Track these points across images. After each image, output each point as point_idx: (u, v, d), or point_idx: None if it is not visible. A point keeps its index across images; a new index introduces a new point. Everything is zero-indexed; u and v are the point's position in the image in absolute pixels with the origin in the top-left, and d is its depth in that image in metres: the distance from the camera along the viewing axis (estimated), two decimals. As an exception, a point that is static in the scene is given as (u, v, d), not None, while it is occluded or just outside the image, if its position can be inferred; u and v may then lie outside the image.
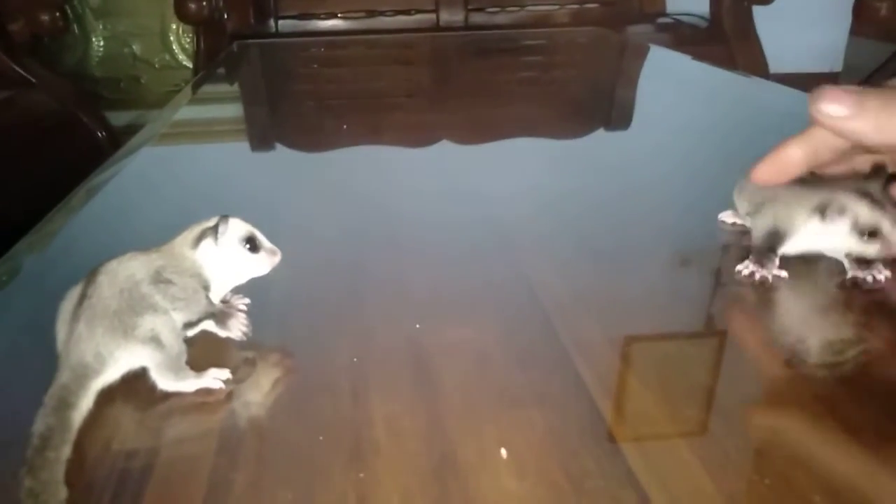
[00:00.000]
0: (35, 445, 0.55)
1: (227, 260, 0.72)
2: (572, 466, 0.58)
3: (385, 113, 1.68)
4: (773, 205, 0.87)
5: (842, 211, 0.80)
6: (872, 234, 0.79)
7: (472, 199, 1.11)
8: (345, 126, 1.56)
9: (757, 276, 0.82)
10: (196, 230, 0.71)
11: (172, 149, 1.57)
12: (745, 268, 0.83)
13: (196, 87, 2.28)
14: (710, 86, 1.93)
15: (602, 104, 1.84)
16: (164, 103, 2.17)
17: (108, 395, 0.66)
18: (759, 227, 0.88)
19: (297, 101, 1.90)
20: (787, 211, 0.85)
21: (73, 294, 0.66)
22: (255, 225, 0.76)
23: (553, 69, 2.38)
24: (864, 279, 0.81)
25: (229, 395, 0.67)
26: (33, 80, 2.89)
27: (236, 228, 0.72)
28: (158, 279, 0.67)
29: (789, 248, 0.85)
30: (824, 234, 0.82)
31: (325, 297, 0.85)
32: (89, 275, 0.67)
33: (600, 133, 1.59)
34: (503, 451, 0.59)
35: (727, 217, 0.99)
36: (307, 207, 1.10)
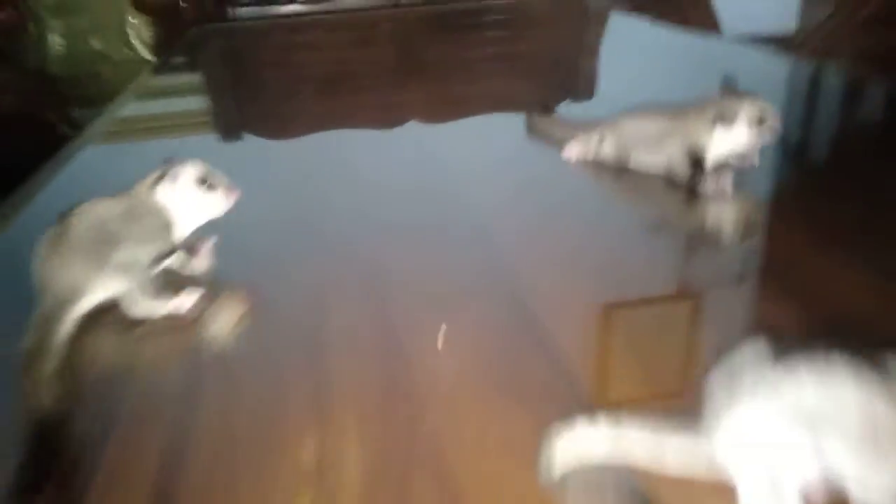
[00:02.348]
0: (25, 356, 0.63)
1: (185, 199, 0.79)
2: (508, 353, 0.67)
3: (350, 95, 1.70)
4: (672, 136, 1.01)
5: (735, 113, 0.96)
6: (761, 122, 0.96)
7: (437, 171, 1.17)
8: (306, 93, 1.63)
9: (719, 187, 0.98)
10: (155, 174, 0.79)
11: (118, 147, 1.58)
12: (705, 187, 0.98)
13: (154, 74, 2.32)
14: (668, 47, 1.99)
15: (567, 74, 1.88)
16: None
17: (90, 322, 0.73)
18: (673, 156, 0.99)
19: (259, 86, 1.92)
20: (693, 132, 0.97)
21: (49, 235, 0.73)
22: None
23: (517, 41, 2.41)
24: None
25: (198, 320, 0.75)
26: (-7, 80, 2.89)
27: (191, 170, 0.79)
28: (125, 218, 0.74)
29: (709, 161, 0.99)
30: (729, 137, 0.97)
31: (285, 235, 0.94)
32: (60, 218, 0.74)
33: (567, 104, 1.64)
34: (440, 337, 0.68)
35: (571, 154, 1.11)
36: (271, 192, 1.15)
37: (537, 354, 0.66)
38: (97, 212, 0.74)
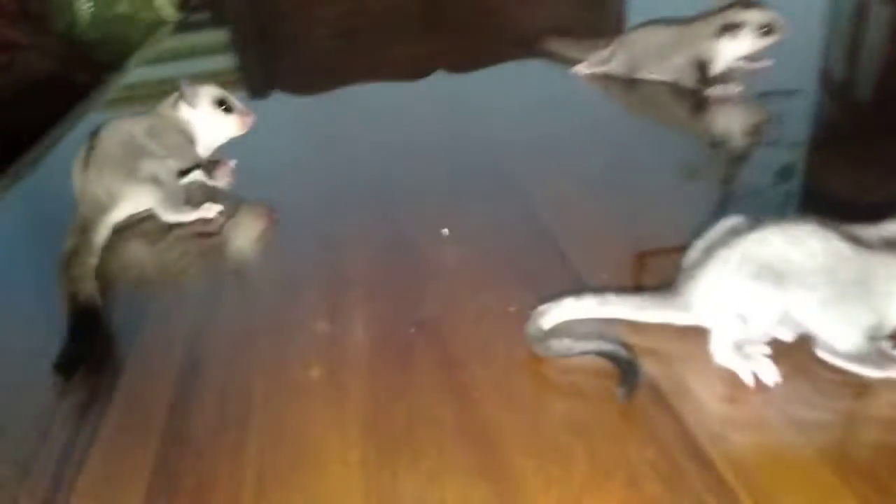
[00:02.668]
0: (66, 256, 0.69)
1: (204, 118, 0.83)
2: (508, 241, 0.71)
3: (375, 48, 1.69)
4: (679, 46, 1.02)
5: (741, 22, 0.97)
6: (768, 31, 0.97)
7: (456, 106, 1.15)
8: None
9: (726, 92, 0.99)
10: (176, 94, 0.83)
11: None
12: (714, 91, 1.00)
13: (174, 33, 2.36)
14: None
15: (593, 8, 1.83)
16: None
17: (127, 230, 0.79)
18: (681, 67, 1.00)
19: (282, 41, 1.93)
20: (699, 42, 0.98)
21: (82, 150, 0.78)
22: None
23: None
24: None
25: (221, 229, 0.80)
26: (24, 43, 2.97)
27: (208, 92, 0.83)
28: (151, 132, 0.79)
29: (715, 68, 1.00)
30: (734, 46, 0.99)
31: (305, 157, 0.98)
32: (91, 135, 0.79)
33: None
34: (445, 231, 0.72)
35: (582, 69, 1.13)
36: (292, 130, 1.19)
37: (537, 244, 0.70)
38: (125, 128, 0.79)
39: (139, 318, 0.66)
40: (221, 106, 0.84)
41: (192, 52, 2.12)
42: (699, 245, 0.52)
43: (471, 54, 1.39)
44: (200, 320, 0.64)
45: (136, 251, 0.78)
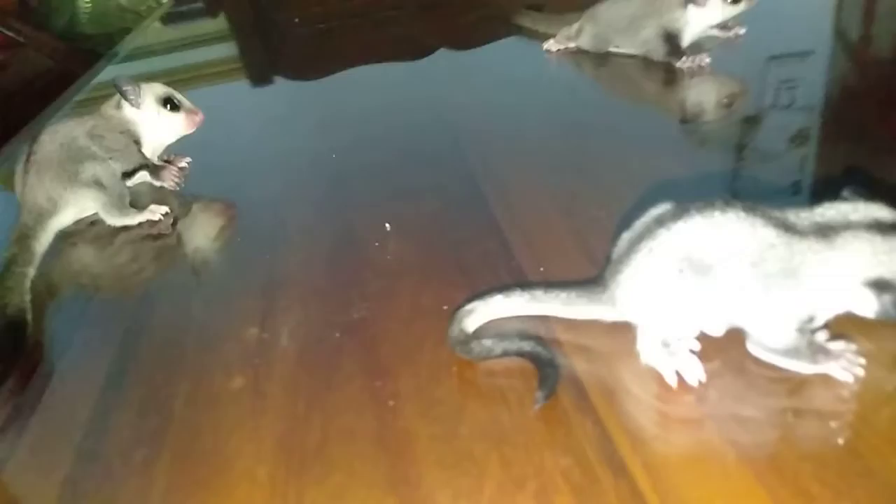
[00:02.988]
0: (3, 265, 0.68)
1: (149, 119, 0.81)
2: (455, 233, 0.69)
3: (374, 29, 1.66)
4: (646, 18, 0.98)
5: None
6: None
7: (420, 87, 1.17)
8: (296, 20, 1.62)
9: (696, 64, 0.95)
10: (119, 93, 0.81)
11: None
12: (683, 63, 0.95)
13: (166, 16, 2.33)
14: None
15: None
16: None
17: (72, 237, 0.78)
18: (649, 39, 0.96)
19: (278, 26, 1.90)
20: (666, 13, 0.93)
21: (22, 155, 0.77)
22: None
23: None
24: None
25: (168, 230, 0.78)
26: (22, 41, 2.97)
27: (152, 90, 0.81)
28: (93, 134, 0.78)
29: (684, 39, 0.96)
30: (702, 15, 0.95)
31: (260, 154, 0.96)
32: (31, 140, 0.78)
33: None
34: (387, 226, 0.70)
35: (552, 46, 1.09)
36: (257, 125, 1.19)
37: (484, 236, 0.67)
38: (65, 130, 0.77)
39: (72, 329, 0.64)
40: (167, 104, 0.82)
41: (168, 47, 2.06)
42: (626, 235, 0.49)
43: (439, 33, 1.35)
44: (131, 329, 0.63)
45: (81, 257, 0.77)
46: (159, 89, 0.81)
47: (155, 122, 0.82)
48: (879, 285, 0.42)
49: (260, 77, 1.39)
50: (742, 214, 0.44)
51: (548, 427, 0.46)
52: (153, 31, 2.43)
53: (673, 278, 0.44)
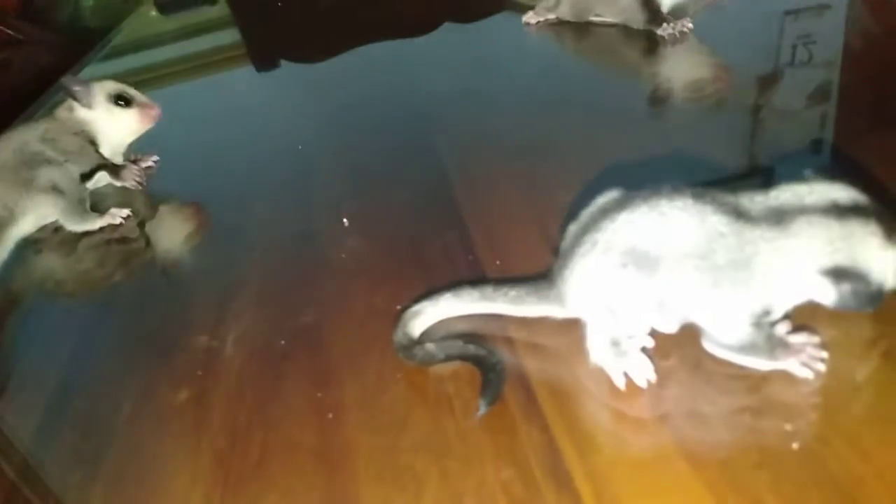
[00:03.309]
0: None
1: (102, 118, 0.79)
2: (416, 227, 0.66)
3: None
4: None
5: None
6: None
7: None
8: (279, 3, 1.58)
9: (677, 30, 0.90)
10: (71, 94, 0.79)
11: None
12: (664, 30, 0.91)
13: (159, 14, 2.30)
14: None
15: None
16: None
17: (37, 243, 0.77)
18: (628, 6, 0.91)
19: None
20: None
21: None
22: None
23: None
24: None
25: (132, 231, 0.76)
26: (21, 38, 2.97)
27: (103, 88, 0.79)
28: (45, 138, 0.76)
29: (664, 5, 0.92)
30: None
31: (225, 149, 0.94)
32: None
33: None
34: (345, 221, 0.68)
35: (531, 18, 1.04)
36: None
37: (445, 229, 0.64)
38: (18, 136, 0.75)
39: (27, 341, 0.63)
40: (118, 101, 0.79)
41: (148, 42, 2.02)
42: (573, 227, 0.46)
43: (418, 12, 1.31)
44: (82, 340, 0.61)
45: (45, 263, 0.75)
46: (110, 86, 0.79)
47: (109, 121, 0.79)
48: (837, 274, 0.39)
49: (243, 66, 1.37)
50: (690, 202, 0.41)
51: (492, 436, 0.43)
52: (148, 20, 2.41)
53: (617, 273, 0.41)
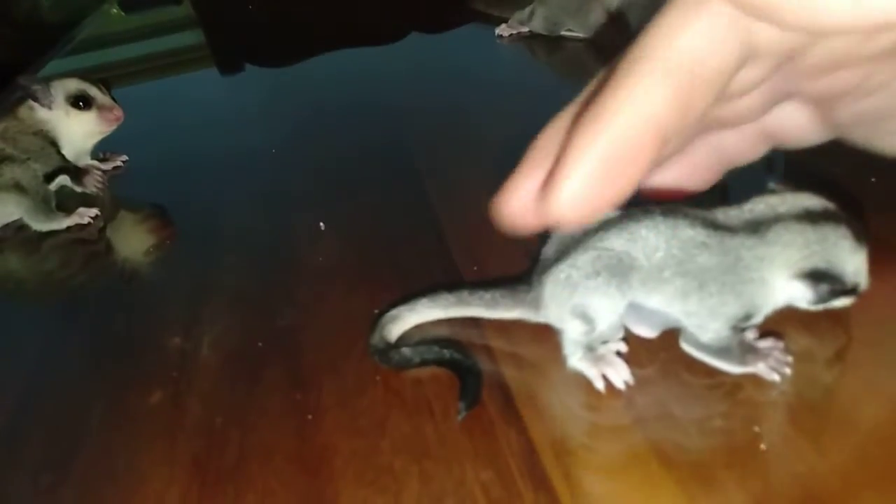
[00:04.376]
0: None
1: (62, 119, 0.77)
2: (391, 232, 0.66)
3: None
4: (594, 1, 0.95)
5: None
6: None
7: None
8: (250, 6, 1.58)
9: None
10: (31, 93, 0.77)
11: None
12: None
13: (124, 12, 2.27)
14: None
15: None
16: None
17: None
18: (598, 22, 0.94)
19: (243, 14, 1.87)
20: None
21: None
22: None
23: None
24: None
25: (98, 233, 0.75)
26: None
27: (62, 87, 0.77)
28: (5, 136, 0.74)
29: (633, 20, 0.93)
30: None
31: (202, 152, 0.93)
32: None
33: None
34: (321, 225, 0.68)
35: (504, 31, 1.07)
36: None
37: (421, 234, 0.65)
38: (-23, 133, 0.74)
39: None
40: (77, 103, 0.77)
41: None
42: (555, 236, 0.47)
43: (392, 21, 1.32)
44: (48, 344, 0.60)
45: (7, 263, 0.73)
46: (71, 85, 0.77)
47: (68, 122, 0.77)
48: (815, 276, 0.41)
49: (209, 67, 1.36)
50: (658, 220, 0.42)
51: (471, 438, 0.44)
52: (110, 18, 2.37)
53: (592, 283, 0.42)
